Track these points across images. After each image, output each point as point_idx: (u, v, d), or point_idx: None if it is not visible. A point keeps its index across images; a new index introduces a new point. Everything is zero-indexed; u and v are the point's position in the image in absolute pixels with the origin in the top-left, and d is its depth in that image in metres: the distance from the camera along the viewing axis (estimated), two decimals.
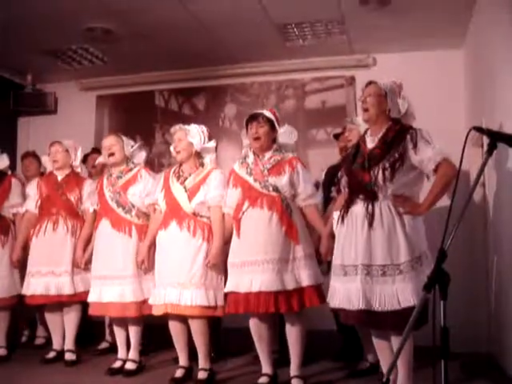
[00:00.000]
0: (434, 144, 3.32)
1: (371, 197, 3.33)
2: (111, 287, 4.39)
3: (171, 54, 6.52)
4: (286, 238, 3.85)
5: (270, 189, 3.92)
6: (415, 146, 3.31)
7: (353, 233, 3.36)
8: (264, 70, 6.94)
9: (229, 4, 5.30)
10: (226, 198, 4.14)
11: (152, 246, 4.38)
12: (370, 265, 3.27)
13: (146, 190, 4.50)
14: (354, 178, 3.44)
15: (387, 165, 3.32)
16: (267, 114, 4.10)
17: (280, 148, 4.11)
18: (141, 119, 7.28)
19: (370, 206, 3.32)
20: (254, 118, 4.08)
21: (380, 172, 3.32)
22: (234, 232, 4.00)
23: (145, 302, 4.35)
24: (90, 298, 4.51)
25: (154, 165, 5.17)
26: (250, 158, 4.09)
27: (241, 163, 4.14)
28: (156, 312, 4.18)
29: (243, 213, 3.95)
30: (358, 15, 5.52)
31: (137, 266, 4.40)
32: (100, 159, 4.84)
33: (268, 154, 4.06)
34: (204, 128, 4.43)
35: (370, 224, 3.30)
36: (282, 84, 7.02)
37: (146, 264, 4.38)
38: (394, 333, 3.31)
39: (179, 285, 4.06)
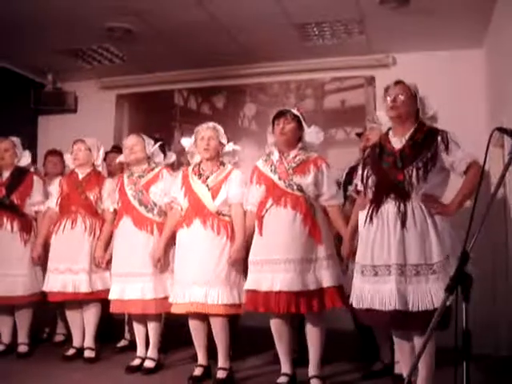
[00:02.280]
0: (463, 146, 3.33)
1: (403, 196, 3.31)
2: (132, 285, 4.41)
3: (190, 54, 6.54)
4: (309, 238, 3.84)
5: (295, 188, 3.90)
6: (447, 147, 3.32)
7: (384, 233, 3.33)
8: (283, 70, 6.94)
9: (248, 3, 5.30)
10: (247, 195, 4.14)
11: (169, 243, 4.39)
12: (403, 264, 3.25)
13: (166, 189, 4.52)
14: (385, 177, 3.41)
15: (420, 164, 3.31)
16: (295, 111, 4.10)
17: (305, 147, 4.09)
18: (160, 118, 7.32)
19: (402, 206, 3.30)
20: (281, 114, 4.07)
21: (414, 171, 3.30)
22: (256, 230, 3.99)
23: (165, 299, 4.36)
24: (111, 296, 4.53)
25: (173, 163, 5.17)
26: (275, 156, 4.08)
27: (265, 160, 4.13)
28: (178, 310, 4.19)
29: (266, 210, 3.93)
30: (377, 15, 5.49)
31: (153, 264, 4.41)
32: (121, 158, 4.86)
33: (293, 153, 4.04)
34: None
35: (403, 223, 3.28)
36: (302, 84, 7.02)
37: (163, 262, 4.40)
38: (418, 334, 3.29)
39: (204, 283, 4.06)
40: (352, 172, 4.53)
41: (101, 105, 7.54)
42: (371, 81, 6.69)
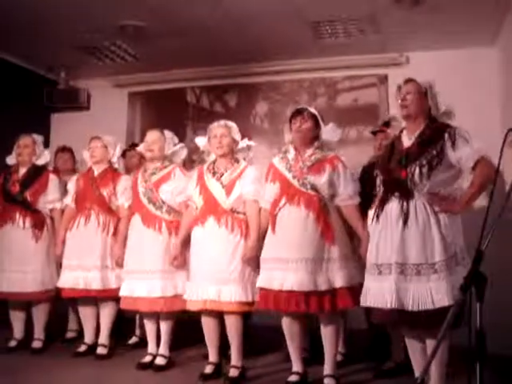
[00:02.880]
0: (473, 142, 3.28)
1: (407, 194, 3.30)
2: (141, 282, 4.42)
3: (203, 52, 6.54)
4: (322, 238, 3.81)
5: (308, 187, 3.88)
6: (453, 143, 3.28)
7: (388, 231, 3.34)
8: (296, 68, 6.92)
9: (261, 1, 5.29)
10: (262, 192, 4.13)
11: (185, 242, 4.40)
12: (404, 263, 3.24)
13: (178, 188, 4.52)
14: (390, 175, 3.41)
15: (424, 162, 3.29)
16: (312, 109, 4.09)
17: (322, 146, 4.07)
18: (172, 116, 7.33)
19: (404, 204, 3.29)
20: (298, 112, 4.06)
21: (417, 169, 3.29)
22: (269, 227, 3.98)
23: (176, 297, 4.37)
24: (122, 293, 4.54)
25: (185, 161, 5.18)
26: (291, 154, 4.06)
27: (281, 158, 4.11)
28: (192, 307, 4.20)
29: (279, 209, 3.92)
30: (390, 13, 5.47)
31: (169, 262, 4.42)
32: (140, 148, 4.84)
33: (309, 151, 4.02)
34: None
35: (405, 222, 3.26)
36: (314, 82, 7.00)
37: (179, 260, 4.40)
38: (428, 333, 3.27)
39: (218, 281, 4.06)
40: (367, 171, 4.51)
41: (113, 102, 7.56)
42: (384, 79, 6.67)
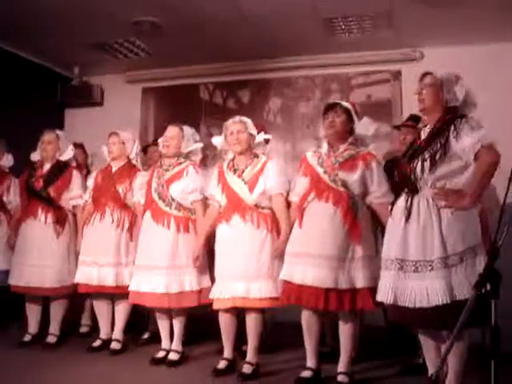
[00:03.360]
0: (480, 131, 3.16)
1: (412, 190, 3.28)
2: (147, 277, 4.42)
3: (216, 48, 6.55)
4: (347, 236, 3.77)
5: (339, 183, 3.84)
6: (458, 133, 3.19)
7: (393, 227, 3.33)
8: (309, 64, 6.91)
9: None
10: (293, 186, 4.11)
11: (206, 241, 4.40)
12: (403, 259, 3.22)
13: (190, 186, 4.50)
14: (401, 170, 3.40)
15: (427, 156, 3.23)
16: (345, 103, 4.05)
17: (356, 141, 4.02)
18: (186, 112, 7.33)
19: (409, 200, 3.27)
20: (331, 107, 4.02)
21: (419, 163, 3.25)
22: (297, 221, 3.96)
23: (182, 294, 4.37)
24: (130, 287, 4.55)
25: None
26: (324, 149, 4.02)
27: (314, 152, 4.07)
28: (220, 306, 4.16)
29: (308, 203, 3.90)
30: (404, 8, 5.45)
31: (192, 262, 4.41)
32: (160, 140, 4.83)
33: (343, 147, 3.96)
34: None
35: (407, 218, 3.24)
36: (327, 78, 6.99)
37: (201, 260, 4.39)
38: (443, 331, 3.25)
39: (246, 278, 4.04)
40: (388, 166, 4.47)
41: (127, 98, 7.58)
42: (398, 75, 6.65)
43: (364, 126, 4.06)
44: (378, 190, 3.90)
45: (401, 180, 3.39)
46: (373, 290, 3.71)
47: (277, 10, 5.56)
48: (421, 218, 3.21)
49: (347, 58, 6.78)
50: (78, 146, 5.99)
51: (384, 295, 3.28)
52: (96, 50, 6.80)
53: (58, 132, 5.23)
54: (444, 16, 5.50)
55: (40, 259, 4.90)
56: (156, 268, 4.40)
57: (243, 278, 4.06)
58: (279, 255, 4.06)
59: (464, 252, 3.15)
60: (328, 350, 4.42)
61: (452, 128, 3.23)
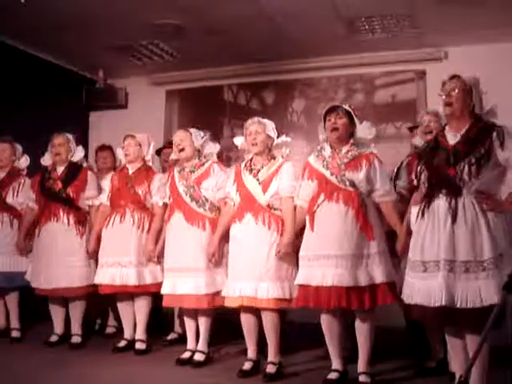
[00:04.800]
0: None
1: (455, 192, 3.26)
2: (185, 280, 4.43)
3: (240, 49, 6.56)
4: (361, 233, 3.80)
5: (347, 183, 3.86)
6: (502, 143, 3.22)
7: (435, 228, 3.29)
8: (333, 65, 6.91)
9: None
10: (299, 190, 4.12)
11: (223, 238, 4.42)
12: (452, 260, 3.19)
13: (217, 184, 4.53)
14: (437, 172, 3.36)
15: (473, 160, 3.23)
16: (346, 107, 4.06)
17: (357, 143, 4.05)
18: (209, 113, 7.37)
19: (453, 201, 3.25)
20: (332, 110, 4.03)
21: (466, 167, 3.24)
22: (308, 225, 3.97)
23: (217, 293, 4.38)
24: (164, 290, 4.57)
25: (222, 158, 5.21)
26: (327, 151, 4.04)
27: (316, 156, 4.09)
28: (230, 304, 4.22)
29: (318, 206, 3.91)
30: (428, 7, 5.43)
31: (208, 259, 4.44)
32: (172, 156, 4.87)
33: (345, 148, 3.99)
34: (273, 124, 4.45)
35: (454, 219, 3.22)
36: (351, 78, 6.98)
37: (217, 257, 4.42)
38: (469, 331, 3.23)
39: (255, 277, 4.08)
40: (402, 167, 4.48)
41: (151, 101, 7.64)
42: (422, 75, 6.62)
43: (364, 130, 4.09)
44: (381, 189, 3.93)
45: (438, 182, 3.35)
46: (391, 284, 3.79)
47: (300, 11, 5.57)
48: (468, 220, 3.21)
49: (371, 58, 6.76)
50: (107, 148, 6.03)
51: (432, 298, 3.21)
52: (120, 52, 6.85)
53: (67, 134, 5.26)
54: (468, 15, 5.47)
55: (67, 260, 4.94)
56: (195, 270, 4.43)
57: (252, 278, 4.09)
58: (282, 257, 4.10)
59: (506, 251, 3.18)
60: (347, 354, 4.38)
61: (494, 136, 3.26)
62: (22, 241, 5.23)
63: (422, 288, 3.28)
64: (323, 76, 7.08)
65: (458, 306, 3.13)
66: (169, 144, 5.99)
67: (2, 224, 5.32)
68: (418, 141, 4.21)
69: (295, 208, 4.17)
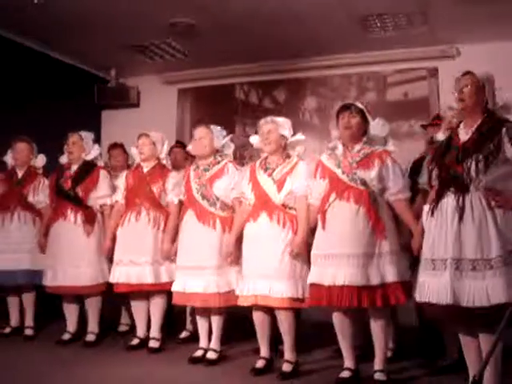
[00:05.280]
0: None
1: (462, 189, 3.24)
2: (195, 278, 4.44)
3: (252, 48, 6.57)
4: (373, 232, 3.77)
5: (358, 182, 3.83)
6: (511, 138, 3.20)
7: (443, 226, 3.27)
8: (344, 63, 6.91)
9: None
10: (311, 189, 4.11)
11: (238, 238, 4.41)
12: (459, 259, 3.17)
13: (232, 183, 4.51)
14: (446, 170, 3.35)
15: (481, 157, 3.21)
16: (359, 104, 4.05)
17: (370, 140, 4.03)
18: (221, 112, 7.38)
19: (460, 199, 3.23)
20: (345, 108, 4.01)
21: (473, 164, 3.21)
22: (319, 224, 3.95)
23: (229, 293, 4.38)
24: (174, 288, 4.58)
25: (236, 157, 5.21)
26: (339, 150, 4.02)
27: (329, 155, 4.08)
28: (243, 303, 4.21)
29: (329, 205, 3.89)
30: (440, 4, 5.42)
31: (223, 258, 4.43)
32: (189, 148, 4.88)
33: (358, 146, 3.97)
34: (289, 121, 4.44)
35: (461, 217, 3.20)
36: (363, 76, 6.98)
37: (233, 256, 4.41)
38: (483, 330, 3.21)
39: (269, 277, 4.06)
40: (416, 165, 4.47)
41: (163, 99, 7.66)
42: (434, 72, 6.60)
43: (378, 127, 4.07)
44: (394, 187, 3.88)
45: (446, 179, 3.34)
46: (403, 283, 3.75)
47: (311, 9, 5.57)
48: (475, 217, 3.18)
49: (383, 55, 6.75)
50: (119, 147, 6.06)
51: (439, 296, 3.22)
52: (132, 51, 6.88)
53: (82, 133, 5.28)
54: (481, 12, 5.44)
55: (72, 259, 4.96)
56: (205, 268, 4.43)
57: (266, 277, 4.07)
58: (295, 257, 4.09)
59: None
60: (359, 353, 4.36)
61: (504, 132, 3.24)
62: (42, 238, 5.26)
63: (431, 286, 3.28)
64: (335, 74, 7.07)
65: (465, 304, 3.12)
66: (177, 143, 6.02)
67: (25, 222, 5.36)
68: (441, 136, 4.17)
69: (308, 207, 4.16)
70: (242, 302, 4.24)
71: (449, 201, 3.29)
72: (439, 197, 3.35)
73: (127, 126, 7.13)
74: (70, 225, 5.04)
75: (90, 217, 5.11)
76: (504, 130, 3.24)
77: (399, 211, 3.91)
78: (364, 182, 3.84)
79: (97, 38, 6.39)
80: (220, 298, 4.40)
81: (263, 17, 5.73)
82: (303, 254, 4.09)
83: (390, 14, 5.75)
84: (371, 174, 3.85)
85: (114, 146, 6.12)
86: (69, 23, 5.90)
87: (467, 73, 3.43)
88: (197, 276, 4.43)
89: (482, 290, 3.09)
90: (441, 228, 3.29)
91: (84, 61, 7.38)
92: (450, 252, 3.20)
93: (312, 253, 3.97)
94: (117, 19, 5.84)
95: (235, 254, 4.41)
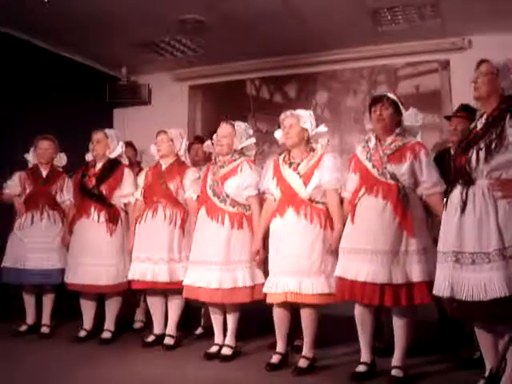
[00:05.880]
0: None
1: (467, 181, 3.20)
2: (202, 272, 4.44)
3: (262, 43, 6.56)
4: (399, 229, 3.71)
5: (388, 176, 3.78)
6: None
7: (449, 219, 3.26)
8: (355, 56, 6.88)
9: None
10: (345, 182, 4.07)
11: (264, 236, 4.38)
12: (460, 252, 3.15)
13: (245, 182, 4.49)
14: (454, 161, 3.32)
15: (482, 145, 3.15)
16: (391, 96, 3.99)
17: (404, 132, 3.96)
18: (233, 108, 7.37)
19: (464, 191, 3.19)
20: (378, 100, 3.97)
21: (474, 153, 3.18)
22: (349, 217, 3.92)
23: (235, 289, 4.37)
24: (185, 282, 4.58)
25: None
26: (372, 143, 3.97)
27: (363, 147, 4.02)
28: (273, 300, 4.17)
29: (359, 199, 3.86)
30: None
31: (252, 256, 4.41)
32: (208, 144, 4.88)
33: (390, 139, 3.91)
34: (312, 113, 4.41)
35: (463, 210, 3.17)
36: (374, 70, 6.94)
37: (261, 254, 4.37)
38: (498, 325, 3.19)
39: (299, 273, 4.03)
40: (438, 158, 4.41)
41: (174, 96, 7.68)
42: (446, 65, 6.57)
43: (412, 117, 3.99)
44: (428, 181, 3.81)
45: (455, 171, 3.31)
46: (430, 283, 3.62)
47: (322, 3, 5.55)
48: (476, 210, 3.14)
49: (394, 48, 6.71)
50: (128, 145, 6.07)
51: (440, 288, 3.23)
52: (143, 49, 6.89)
53: (107, 130, 5.29)
54: (492, 2, 5.39)
55: (94, 258, 4.96)
56: (210, 263, 4.42)
57: (295, 273, 4.04)
58: (333, 252, 4.04)
59: None
60: (382, 346, 4.35)
61: (508, 117, 3.16)
62: (67, 237, 5.27)
63: (437, 279, 3.30)
64: (346, 68, 7.04)
65: (464, 298, 3.10)
66: (197, 139, 6.01)
67: (54, 222, 5.38)
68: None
69: (341, 200, 4.12)
70: (271, 300, 4.19)
71: (456, 193, 3.26)
72: (451, 189, 3.33)
73: (139, 124, 7.19)
74: (94, 223, 5.05)
75: (113, 215, 5.11)
76: (508, 115, 3.17)
77: (433, 205, 3.83)
78: (394, 177, 3.79)
79: (107, 37, 6.40)
80: (223, 294, 4.39)
81: (273, 12, 5.71)
82: (338, 249, 4.02)
83: (401, 6, 5.71)
84: (402, 168, 3.79)
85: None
86: (79, 22, 5.91)
87: (482, 61, 3.38)
88: (204, 271, 4.44)
89: (480, 284, 3.06)
90: (447, 221, 3.28)
91: (95, 59, 7.40)
92: (451, 245, 3.19)
93: (340, 246, 3.94)
94: (126, 17, 5.85)
95: (263, 252, 4.37)
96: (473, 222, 3.14)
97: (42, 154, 5.48)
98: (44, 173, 5.49)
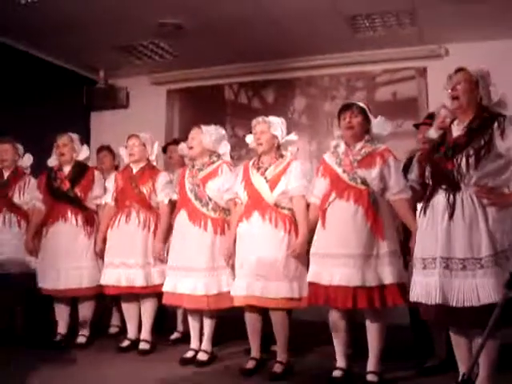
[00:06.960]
0: None
1: (453, 186, 3.21)
2: (185, 279, 4.42)
3: (241, 48, 6.56)
4: (371, 233, 3.76)
5: (359, 181, 3.83)
6: (503, 132, 3.15)
7: (433, 224, 3.26)
8: (333, 63, 6.90)
9: None
10: (313, 187, 4.09)
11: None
12: (449, 258, 3.16)
13: (225, 184, 4.49)
14: (437, 167, 3.32)
15: (471, 152, 3.17)
16: (361, 104, 4.04)
17: (372, 139, 4.01)
18: (211, 112, 7.36)
19: (451, 197, 3.21)
20: (347, 107, 4.01)
21: (464, 159, 3.18)
22: (319, 222, 3.94)
23: (220, 295, 4.37)
24: (165, 288, 4.56)
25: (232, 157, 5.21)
26: (341, 149, 4.01)
27: (331, 153, 4.07)
28: (238, 303, 4.20)
29: (329, 204, 3.88)
30: (429, 4, 5.42)
31: (224, 260, 4.41)
32: (183, 145, 4.88)
33: (359, 145, 3.96)
34: (283, 120, 4.44)
35: (451, 215, 3.18)
36: (352, 76, 6.98)
37: (233, 258, 4.36)
38: (473, 330, 3.20)
39: (263, 277, 4.06)
40: (409, 163, 4.45)
41: (152, 100, 7.65)
42: (423, 72, 6.61)
43: (380, 125, 4.05)
44: (395, 186, 3.86)
45: (438, 176, 3.32)
46: (401, 285, 3.73)
47: (300, 9, 5.56)
48: (466, 216, 3.16)
49: (371, 55, 6.74)
50: (105, 148, 6.06)
51: (428, 296, 3.21)
52: (121, 52, 6.86)
53: (70, 134, 5.25)
54: (469, 11, 5.45)
55: (75, 261, 4.94)
56: (194, 270, 4.41)
57: (259, 277, 4.07)
58: (296, 256, 4.07)
59: (508, 250, 3.12)
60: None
61: (496, 126, 3.19)
62: (30, 241, 5.19)
63: (422, 285, 3.26)
64: (324, 74, 7.07)
65: (454, 304, 3.10)
66: (174, 141, 6.01)
67: (10, 224, 5.29)
68: (432, 133, 4.15)
69: (308, 206, 4.15)
70: (236, 303, 4.22)
71: (440, 198, 3.27)
72: (431, 194, 3.34)
73: (116, 127, 7.14)
74: (72, 226, 5.02)
75: (89, 218, 5.10)
76: (496, 124, 3.20)
77: (400, 211, 3.88)
78: (364, 182, 3.83)
79: (85, 39, 6.36)
80: (209, 300, 4.38)
81: (251, 17, 5.72)
82: (304, 254, 4.08)
83: (379, 13, 5.75)
84: (372, 174, 3.84)
85: (101, 148, 6.11)
86: (57, 24, 5.87)
87: (460, 69, 3.40)
88: (187, 277, 4.42)
89: (472, 290, 3.07)
90: (431, 226, 3.28)
91: (72, 62, 7.35)
92: (439, 251, 3.19)
93: (311, 251, 3.96)
94: (105, 20, 5.82)
95: (234, 256, 4.36)
96: (463, 227, 3.15)
97: (2, 156, 5.43)
98: (6, 175, 5.42)
